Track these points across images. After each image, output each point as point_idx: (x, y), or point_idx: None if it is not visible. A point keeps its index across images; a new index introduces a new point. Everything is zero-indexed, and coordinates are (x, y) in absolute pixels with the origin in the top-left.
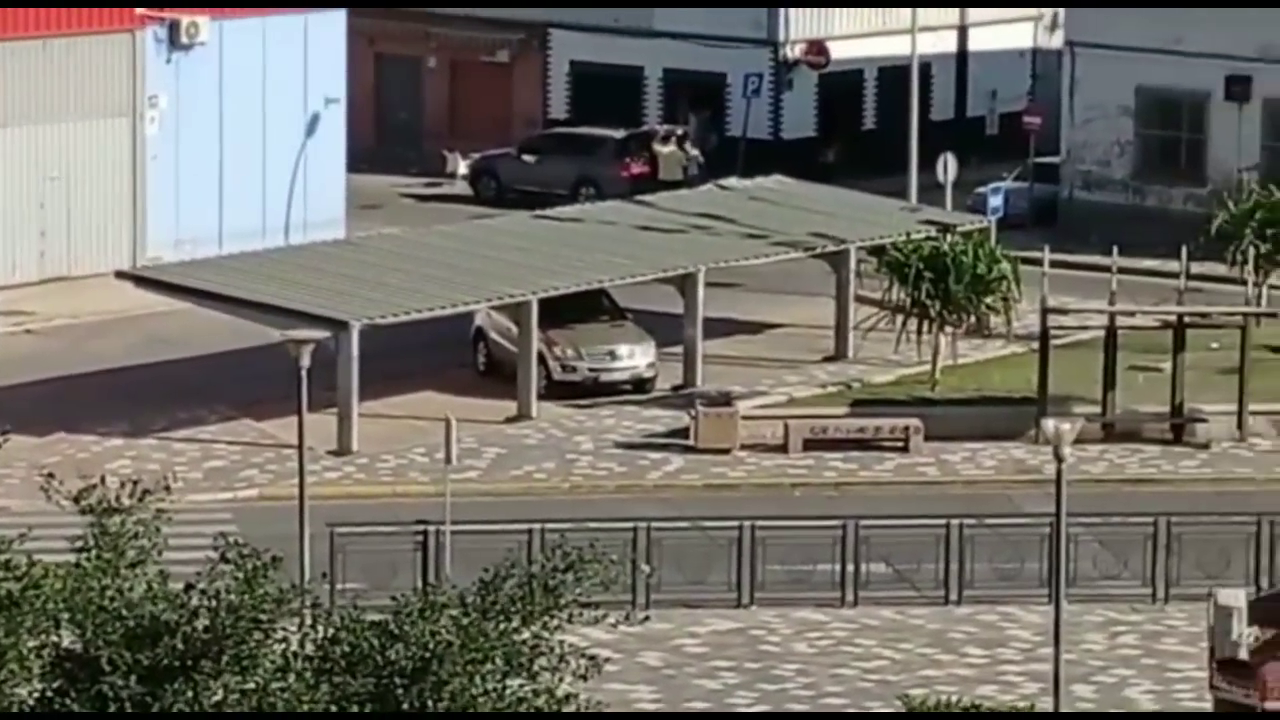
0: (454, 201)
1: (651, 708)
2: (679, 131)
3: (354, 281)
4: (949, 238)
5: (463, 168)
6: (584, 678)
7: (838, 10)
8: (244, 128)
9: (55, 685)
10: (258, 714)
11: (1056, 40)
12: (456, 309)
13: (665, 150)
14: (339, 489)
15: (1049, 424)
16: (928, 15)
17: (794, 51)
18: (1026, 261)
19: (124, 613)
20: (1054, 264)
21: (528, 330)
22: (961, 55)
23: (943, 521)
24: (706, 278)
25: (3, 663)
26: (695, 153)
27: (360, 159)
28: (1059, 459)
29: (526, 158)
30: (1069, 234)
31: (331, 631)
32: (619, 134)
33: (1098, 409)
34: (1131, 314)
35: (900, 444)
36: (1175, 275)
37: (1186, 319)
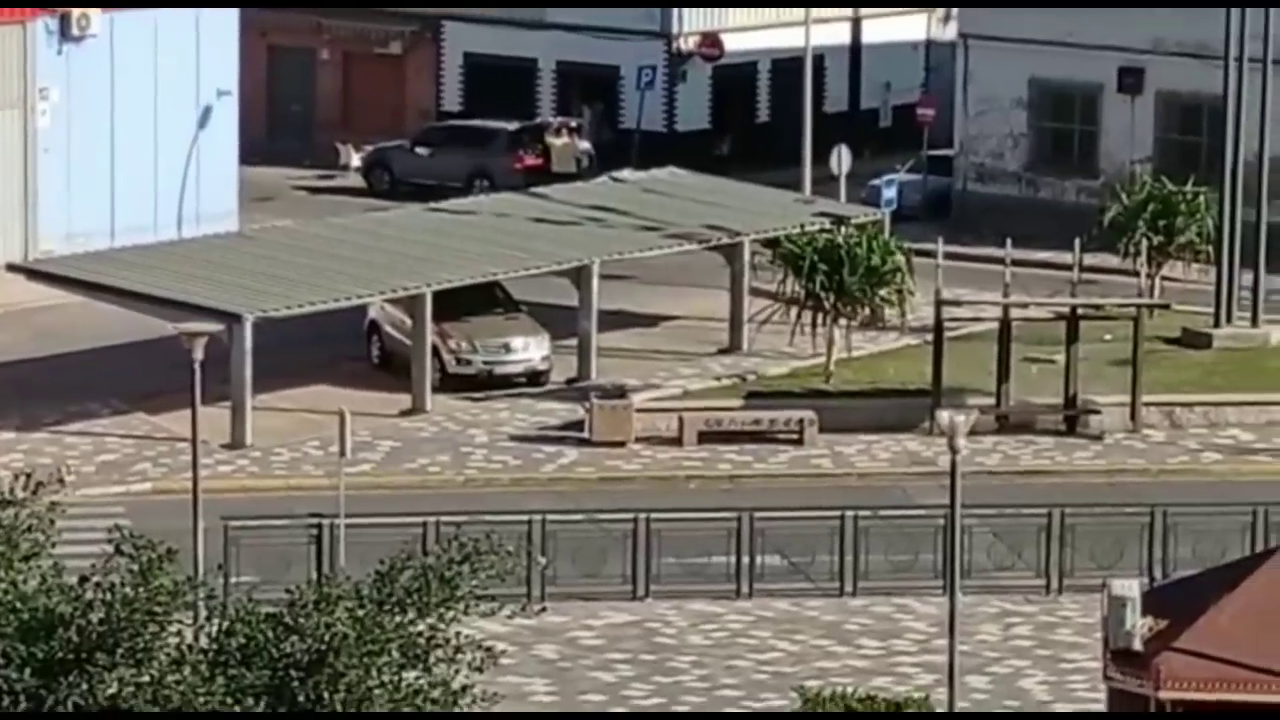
0: (347, 194)
1: (547, 700)
2: (572, 124)
3: (247, 274)
4: (843, 230)
5: (356, 160)
6: (479, 669)
7: (730, 7)
8: (136, 120)
9: None
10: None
11: (950, 32)
12: (350, 302)
13: (558, 143)
14: (233, 483)
15: (943, 416)
16: (821, 8)
17: (687, 44)
18: (920, 253)
19: (18, 606)
20: (948, 256)
21: (422, 323)
22: (855, 47)
23: (837, 513)
24: (601, 270)
25: None
26: (587, 145)
27: (253, 151)
28: (953, 451)
29: (420, 150)
30: (963, 226)
31: (226, 624)
32: (512, 126)
33: (992, 401)
34: (1025, 306)
35: (795, 436)
36: (1068, 267)
37: (1080, 311)
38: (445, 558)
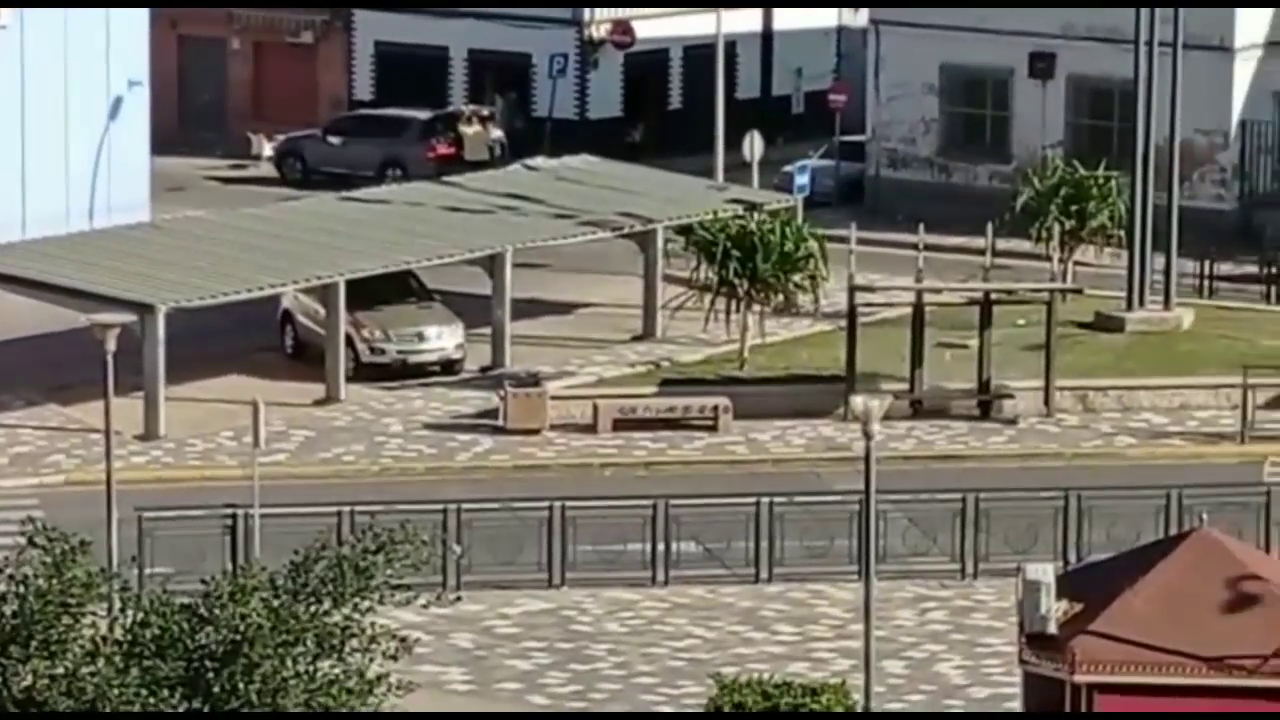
0: (259, 184)
1: (463, 689)
2: (484, 112)
3: (160, 265)
4: (756, 216)
5: (268, 150)
6: (395, 658)
7: None
8: (46, 111)
9: None
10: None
11: (861, 19)
12: (263, 292)
13: (471, 131)
14: (147, 473)
15: (857, 401)
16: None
17: (599, 31)
18: (833, 239)
19: None
20: (861, 242)
21: (335, 312)
22: (767, 34)
23: (752, 500)
24: (514, 258)
25: None
26: (499, 134)
27: (164, 142)
28: (867, 436)
29: (332, 139)
30: (875, 212)
31: (141, 616)
32: (425, 115)
33: (906, 386)
34: (938, 291)
35: (709, 423)
36: (981, 252)
37: (993, 296)
38: (360, 547)
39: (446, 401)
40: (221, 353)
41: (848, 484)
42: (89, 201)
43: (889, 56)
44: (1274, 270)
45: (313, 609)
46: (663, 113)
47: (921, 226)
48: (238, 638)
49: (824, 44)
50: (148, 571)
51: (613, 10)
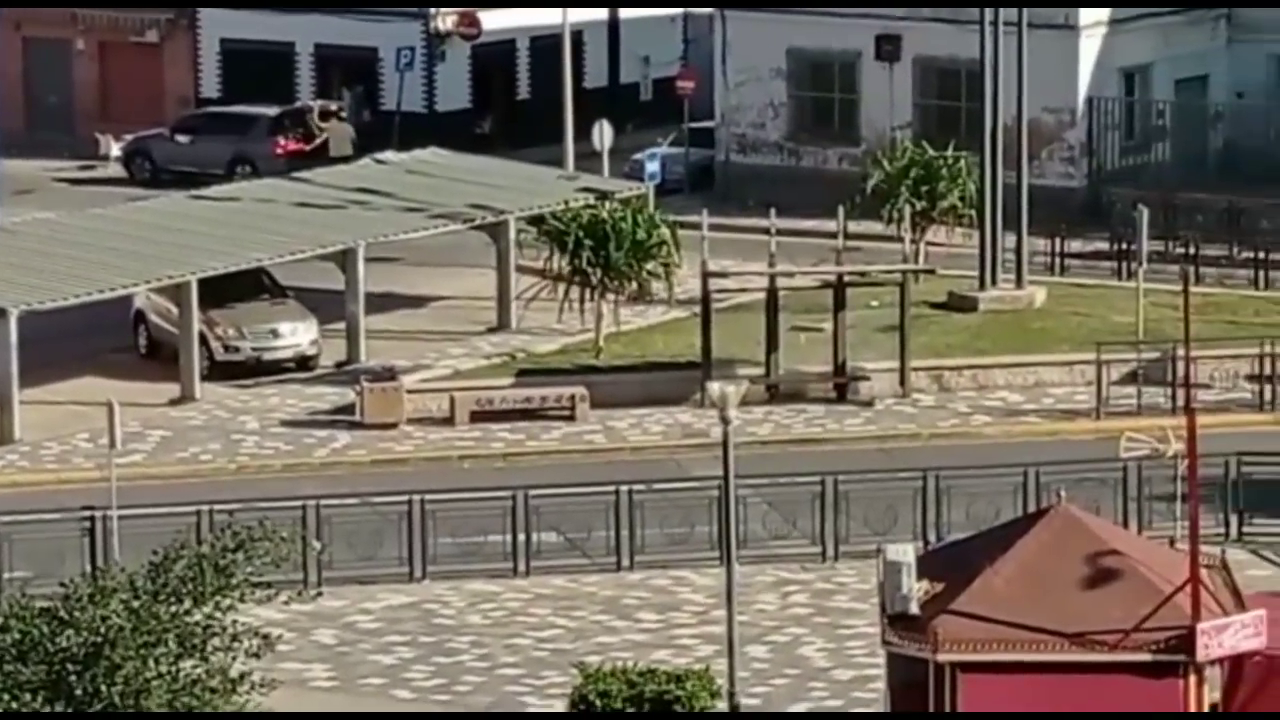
0: (108, 184)
1: (326, 686)
2: (332, 107)
3: (10, 268)
4: (607, 205)
5: (116, 150)
6: (257, 656)
7: None
8: None
9: None
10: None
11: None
12: (115, 292)
13: (334, 126)
14: (2, 478)
15: (714, 387)
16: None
17: (445, 23)
18: (685, 226)
19: None
20: (713, 228)
21: (188, 311)
22: (613, 22)
23: (612, 488)
24: (366, 253)
25: None
26: (349, 129)
27: (11, 144)
28: (725, 422)
29: (180, 138)
30: (726, 197)
31: (0, 621)
32: (273, 111)
33: (761, 371)
34: (791, 275)
35: (567, 412)
36: (833, 235)
37: (846, 278)
38: (219, 546)
39: (302, 398)
40: (75, 355)
41: (706, 470)
42: None
43: (735, 42)
44: (1124, 246)
45: (174, 609)
46: (511, 104)
47: (773, 211)
48: (99, 640)
49: (670, 31)
50: (5, 576)
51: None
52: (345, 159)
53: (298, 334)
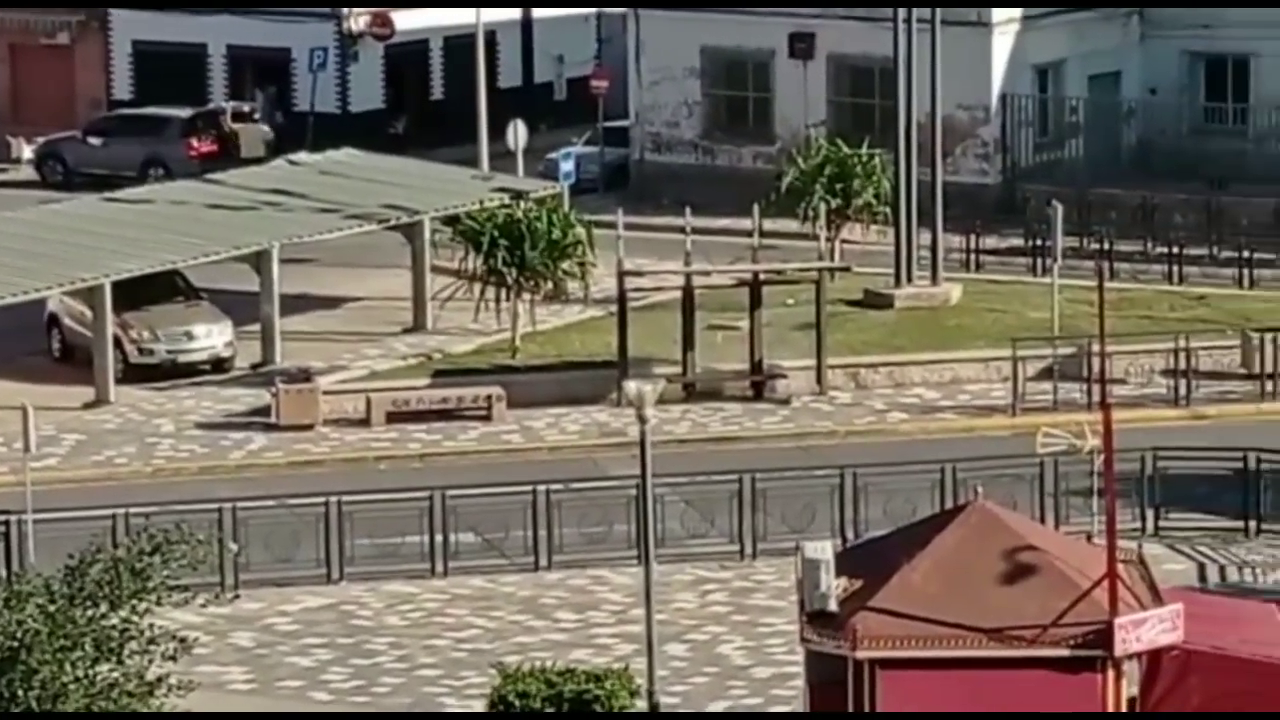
0: (20, 187)
1: (244, 689)
2: (245, 108)
3: None
4: (522, 204)
5: (27, 152)
6: (174, 659)
7: None
8: None
9: None
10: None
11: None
12: (28, 296)
13: (247, 128)
14: None
15: (630, 386)
16: None
17: (358, 24)
18: (600, 225)
19: None
20: (628, 227)
21: (102, 314)
22: (527, 22)
23: (529, 488)
24: (281, 254)
25: None
26: (266, 129)
27: None
28: (642, 420)
29: (92, 140)
30: (642, 196)
31: None
32: (185, 113)
33: (678, 369)
34: (707, 274)
35: (483, 413)
36: (748, 233)
37: (761, 276)
38: (136, 549)
39: (218, 400)
40: None
41: (624, 469)
42: None
43: (649, 41)
44: (1039, 243)
45: (90, 613)
46: (425, 104)
47: (688, 209)
48: (15, 644)
49: (584, 30)
50: None
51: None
52: (257, 160)
53: (212, 336)
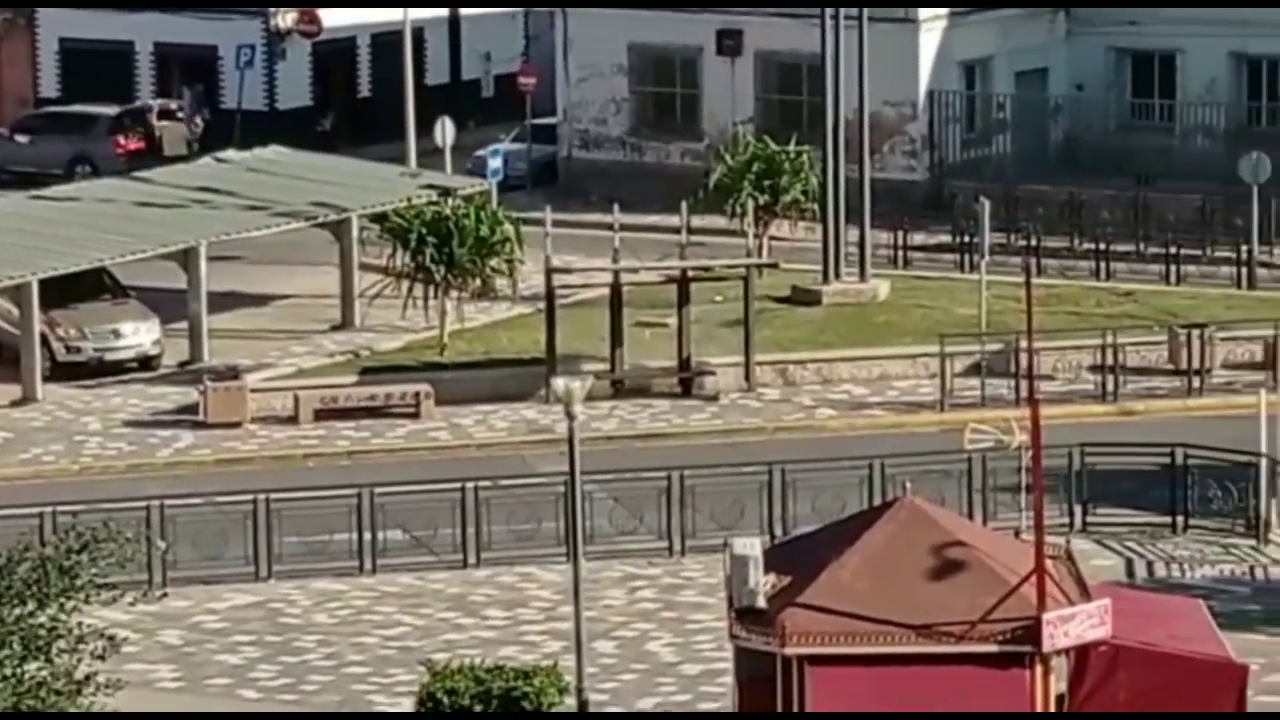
0: None
1: (173, 687)
2: (172, 106)
3: None
4: (450, 202)
5: None
6: (102, 658)
7: None
8: None
9: None
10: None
11: None
12: None
13: (169, 125)
14: None
15: (559, 383)
16: None
17: (285, 21)
18: (529, 222)
19: None
20: (556, 224)
21: (29, 312)
22: (454, 19)
23: (458, 485)
24: (208, 252)
25: None
26: (198, 125)
27: None
28: (570, 417)
29: (19, 138)
30: (570, 193)
31: None
32: (112, 111)
33: (606, 366)
34: (635, 270)
35: (411, 410)
36: (676, 230)
37: (689, 273)
38: (64, 547)
39: (145, 398)
40: None
41: (552, 466)
42: None
43: (577, 38)
44: (966, 239)
45: (18, 611)
46: (352, 101)
47: (616, 206)
48: None
49: (511, 27)
50: None
51: None
52: (180, 158)
53: (140, 334)
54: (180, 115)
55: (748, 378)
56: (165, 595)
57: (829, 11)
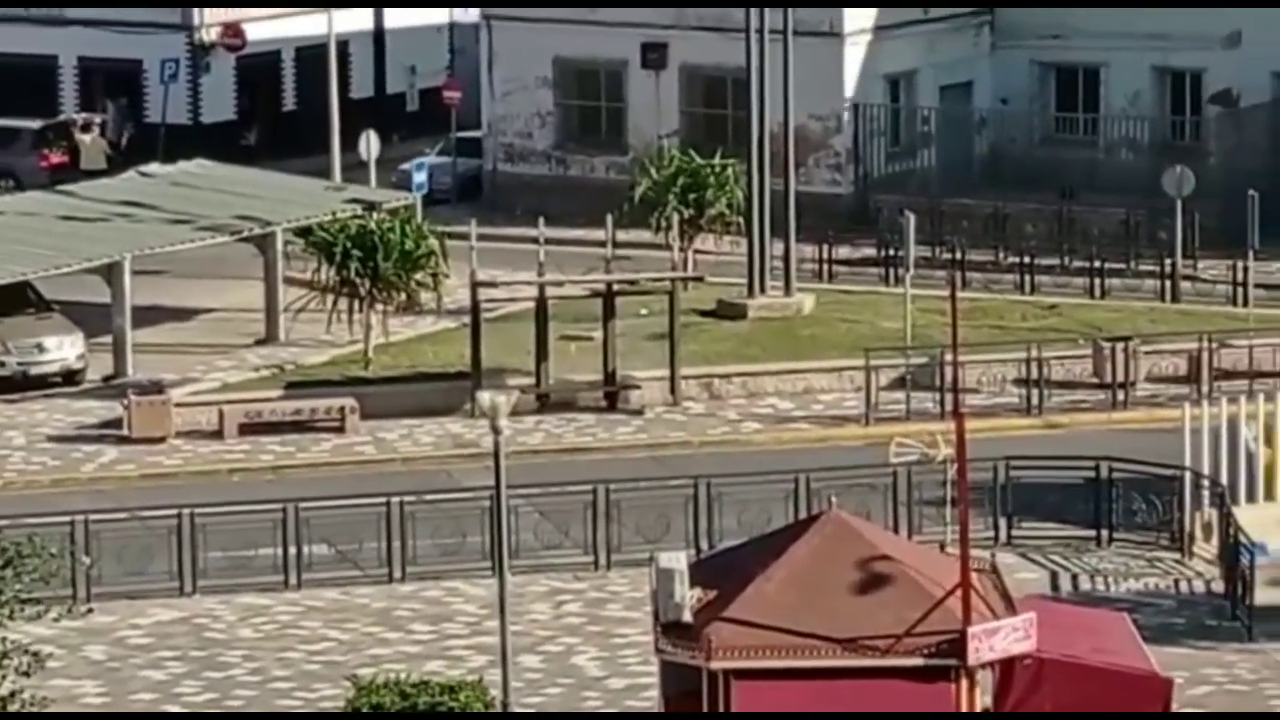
0: None
1: (97, 702)
2: (96, 120)
3: None
4: (375, 215)
5: None
6: (27, 674)
7: None
8: None
9: None
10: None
11: (473, 14)
12: None
13: (87, 139)
14: None
15: (484, 397)
16: None
17: (210, 35)
18: (454, 236)
19: None
20: (481, 237)
21: None
22: (379, 32)
23: (383, 500)
24: (133, 266)
25: None
26: (122, 138)
27: None
28: (496, 431)
29: None
30: (495, 207)
31: None
32: (35, 124)
33: (532, 380)
34: (560, 284)
35: (337, 424)
36: (602, 244)
37: (615, 287)
38: None
39: (69, 412)
40: None
41: (478, 480)
42: None
43: (502, 51)
44: (891, 252)
45: None
46: (277, 115)
47: (541, 220)
48: None
49: (436, 41)
50: None
51: (222, 10)
52: (100, 172)
53: (64, 348)
54: (98, 129)
55: (673, 391)
56: (90, 611)
57: (754, 24)
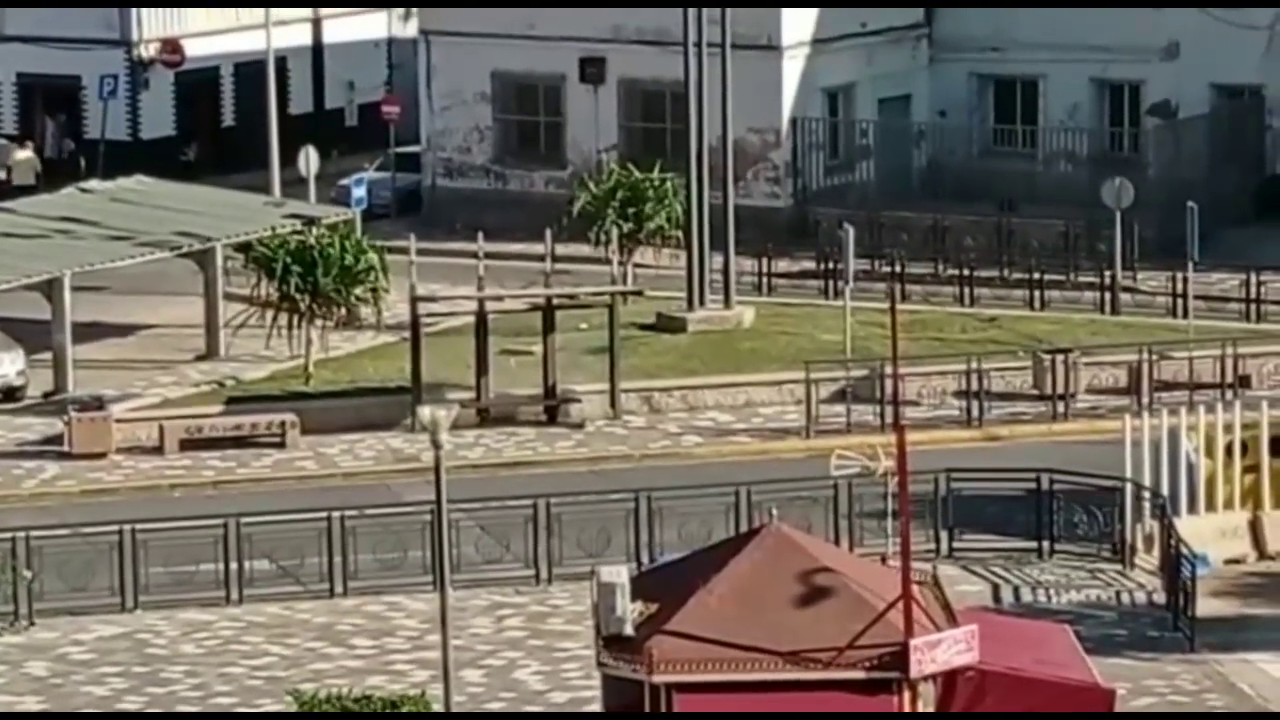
0: None
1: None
2: (30, 138)
3: None
4: (315, 231)
5: None
6: None
7: (190, 8)
8: None
9: None
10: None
11: (411, 29)
12: None
13: (19, 156)
14: None
15: (424, 412)
16: (281, 9)
17: (148, 51)
18: (393, 251)
19: None
20: (421, 252)
21: None
22: (317, 48)
23: (324, 514)
24: (73, 282)
25: None
26: (67, 149)
27: None
28: (436, 446)
29: None
30: (434, 222)
31: None
32: None
33: (472, 395)
34: (500, 298)
35: (277, 439)
36: (541, 258)
37: (554, 301)
38: None
39: (10, 429)
40: None
41: (418, 494)
42: None
43: (440, 66)
44: (830, 265)
45: None
46: (216, 130)
47: (480, 235)
48: None
49: (375, 56)
50: None
51: (160, 17)
52: (30, 189)
53: (4, 365)
54: (28, 145)
55: (613, 405)
56: (31, 626)
57: (691, 38)
